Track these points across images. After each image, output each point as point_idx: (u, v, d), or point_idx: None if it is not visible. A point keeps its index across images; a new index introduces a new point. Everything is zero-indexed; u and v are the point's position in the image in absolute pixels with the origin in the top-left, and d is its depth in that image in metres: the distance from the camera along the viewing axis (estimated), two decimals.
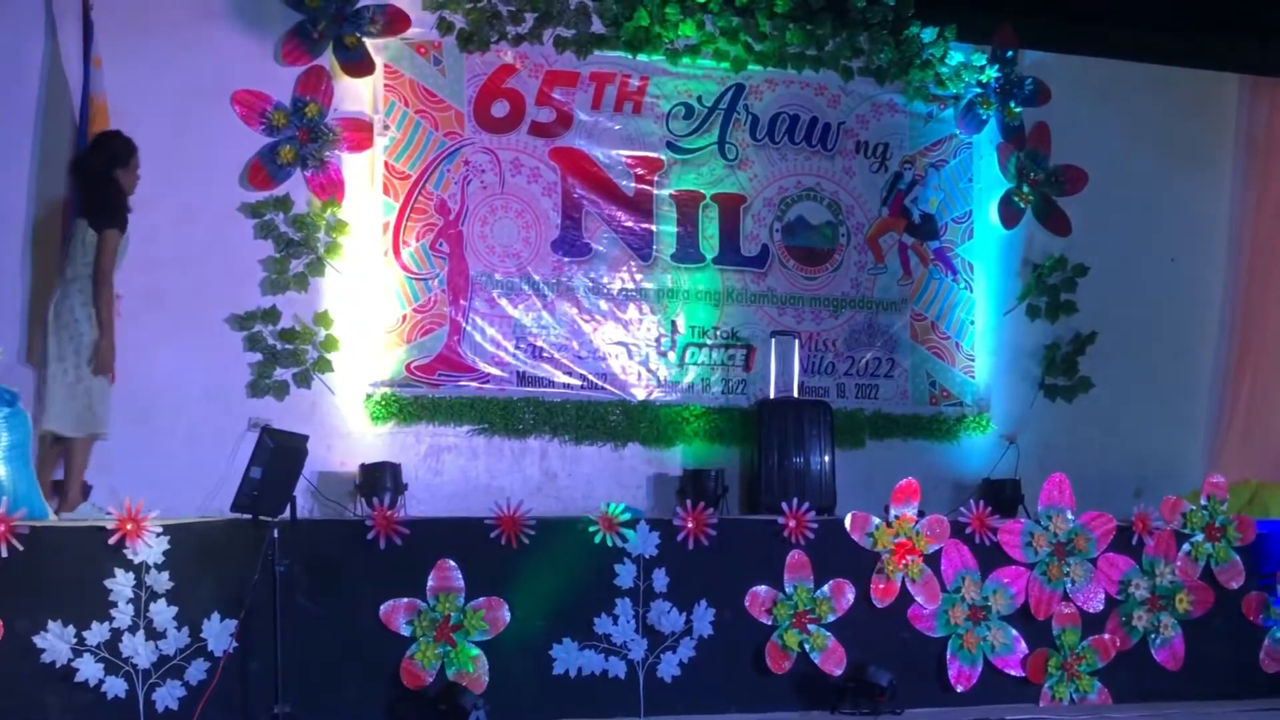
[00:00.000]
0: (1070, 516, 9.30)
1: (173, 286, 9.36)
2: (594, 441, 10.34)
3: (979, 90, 11.22)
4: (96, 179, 8.31)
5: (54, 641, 7.16)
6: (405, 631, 7.92)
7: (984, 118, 11.27)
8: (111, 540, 7.31)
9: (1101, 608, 9.29)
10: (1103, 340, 11.45)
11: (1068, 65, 11.55)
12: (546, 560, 8.26)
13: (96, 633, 7.23)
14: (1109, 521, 9.38)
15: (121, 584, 7.31)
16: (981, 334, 11.27)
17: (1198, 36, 11.73)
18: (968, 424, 11.12)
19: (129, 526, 7.33)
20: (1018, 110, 11.34)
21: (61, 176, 9.16)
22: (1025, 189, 11.38)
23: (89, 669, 7.21)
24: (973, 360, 11.23)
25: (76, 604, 7.23)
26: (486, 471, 10.06)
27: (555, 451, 10.27)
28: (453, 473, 10.00)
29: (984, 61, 11.19)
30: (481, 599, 8.06)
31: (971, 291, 11.26)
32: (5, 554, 7.05)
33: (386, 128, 9.97)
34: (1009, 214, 11.38)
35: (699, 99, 10.69)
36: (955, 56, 11.11)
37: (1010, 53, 11.29)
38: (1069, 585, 9.23)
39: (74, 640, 7.19)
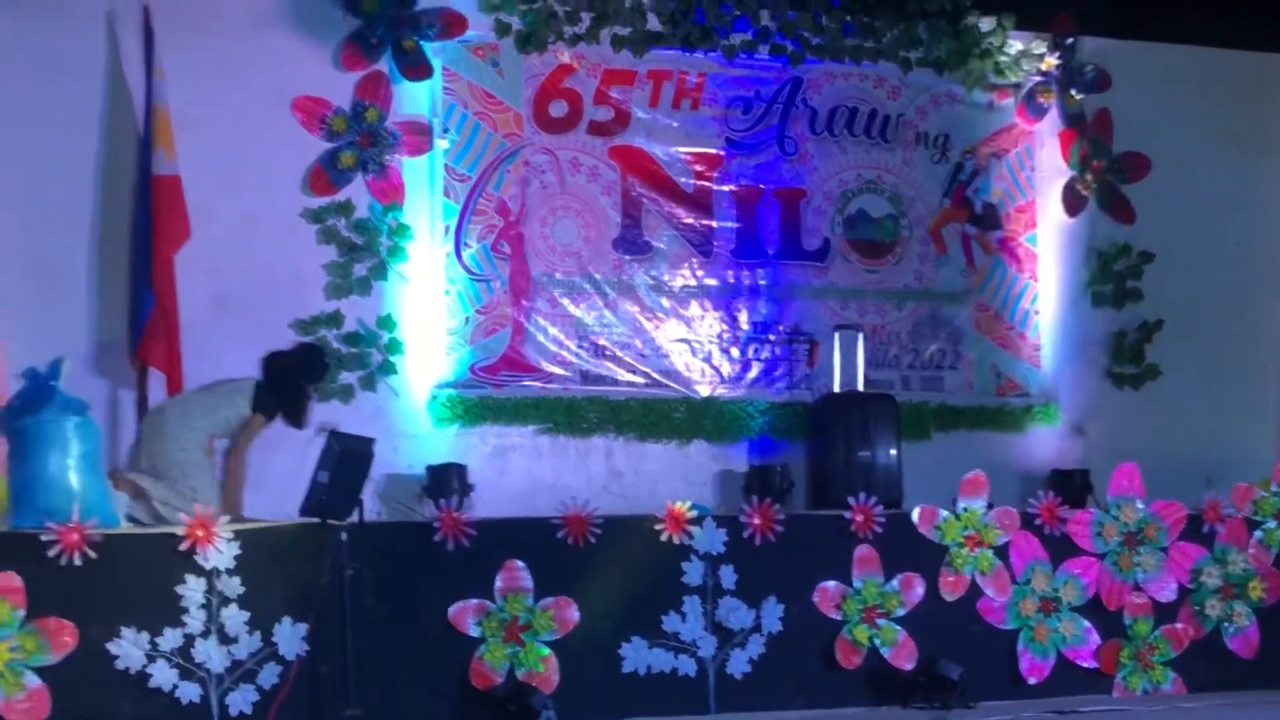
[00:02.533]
0: (1140, 505, 9.22)
1: (237, 293, 9.44)
2: (658, 439, 10.34)
3: (1039, 78, 11.15)
4: (288, 378, 8.34)
5: (128, 648, 7.21)
6: (474, 632, 7.94)
7: (1045, 106, 11.20)
8: (182, 546, 7.36)
9: (1174, 597, 9.20)
10: (1169, 327, 11.35)
11: (1128, 51, 11.44)
12: (614, 559, 8.26)
13: (169, 638, 7.27)
14: (1179, 510, 9.29)
15: (193, 589, 7.35)
16: (1047, 323, 11.20)
17: (1260, 20, 11.58)
18: (1035, 414, 11.05)
19: (199, 533, 7.37)
20: (1079, 97, 11.26)
21: (126, 187, 9.26)
22: (1088, 177, 11.30)
23: (163, 674, 7.25)
24: (1039, 350, 11.16)
25: (149, 610, 7.28)
26: (552, 471, 10.07)
27: (620, 450, 10.28)
28: (518, 473, 10.02)
29: (1043, 49, 11.12)
30: (550, 599, 8.07)
31: (1036, 281, 11.19)
32: (79, 562, 7.11)
33: (446, 130, 10.00)
34: (1072, 202, 11.30)
35: (757, 93, 10.67)
36: (1014, 45, 11.03)
37: (1070, 40, 11.20)
38: (1140, 575, 9.15)
39: (148, 646, 7.24)
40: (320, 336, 9.61)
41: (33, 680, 6.97)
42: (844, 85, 10.85)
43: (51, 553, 7.07)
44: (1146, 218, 11.40)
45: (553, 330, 10.15)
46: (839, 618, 8.58)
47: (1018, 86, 11.15)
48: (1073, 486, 10.19)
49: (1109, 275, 11.35)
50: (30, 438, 7.31)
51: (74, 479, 7.32)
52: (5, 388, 8.32)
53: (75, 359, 7.99)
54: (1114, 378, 11.33)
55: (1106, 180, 11.36)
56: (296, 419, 8.29)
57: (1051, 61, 11.11)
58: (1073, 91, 11.22)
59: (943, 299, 10.97)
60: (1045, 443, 11.04)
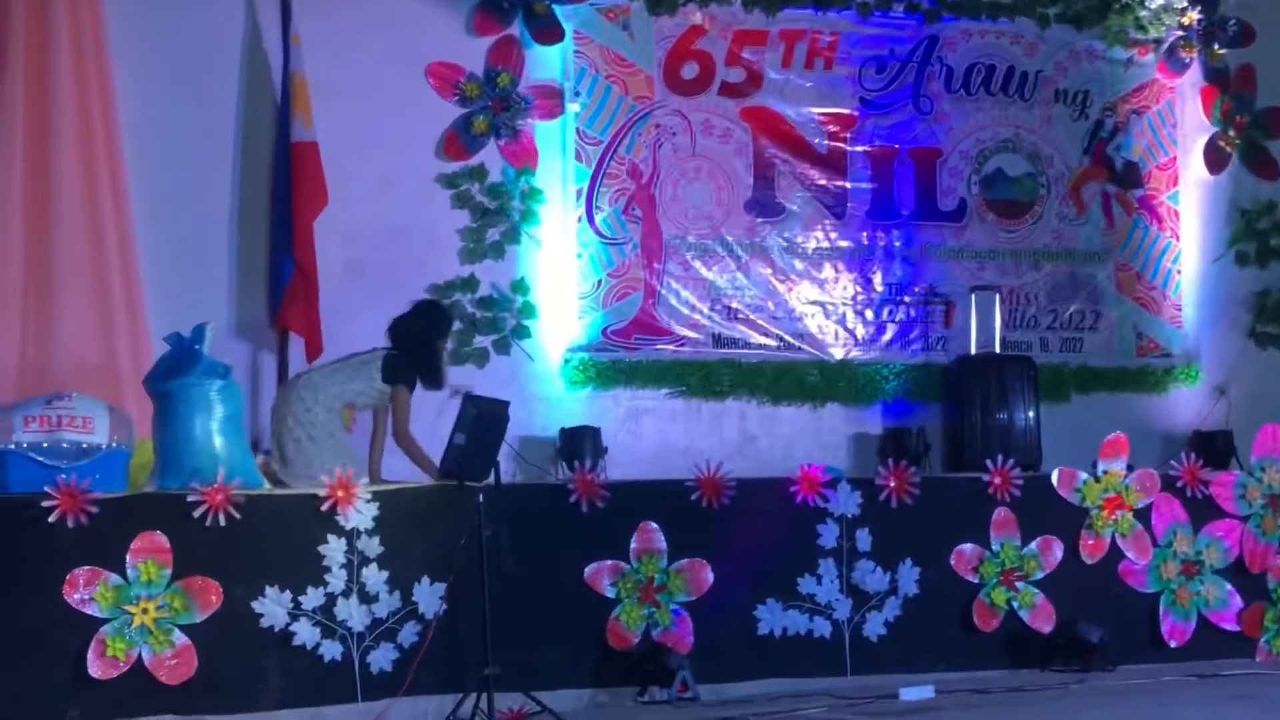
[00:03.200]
0: None
1: (373, 257, 9.54)
2: (792, 402, 10.31)
3: (1180, 33, 10.92)
4: (417, 340, 8.34)
5: (271, 607, 7.33)
6: (610, 593, 7.98)
7: (1186, 61, 10.98)
8: (323, 507, 7.46)
9: None
10: None
11: (1272, 3, 11.15)
12: (748, 521, 8.26)
13: (312, 598, 7.39)
14: None
15: (334, 550, 7.45)
16: (1189, 283, 11.00)
17: None
18: (1176, 375, 10.87)
19: (340, 494, 7.48)
20: (1221, 52, 11.01)
21: (266, 156, 9.39)
22: (1231, 133, 11.07)
23: (306, 633, 7.37)
24: (1180, 310, 10.97)
25: (292, 570, 7.39)
26: (685, 434, 10.09)
27: (753, 413, 10.27)
28: (651, 435, 10.05)
29: (1185, 3, 10.88)
30: (684, 560, 8.10)
31: (1178, 239, 11.00)
32: (224, 523, 7.24)
33: (577, 94, 10.02)
34: (1215, 159, 11.08)
35: (891, 52, 10.56)
36: None
37: None
38: None
39: (290, 605, 7.35)
40: (455, 301, 9.69)
41: (180, 638, 7.13)
42: (980, 42, 10.71)
43: (197, 513, 7.20)
44: None
45: (685, 293, 10.14)
46: (976, 581, 8.53)
47: (1159, 42, 10.93)
48: (1215, 448, 10.07)
49: (1252, 233, 11.13)
50: (175, 401, 7.44)
51: (218, 441, 7.45)
52: (150, 353, 8.51)
53: (217, 325, 8.12)
54: (1257, 337, 11.11)
55: (1250, 136, 11.12)
56: (435, 379, 8.33)
57: (1193, 15, 10.87)
58: (1215, 46, 10.98)
59: (1082, 259, 10.81)
60: (1187, 404, 10.86)
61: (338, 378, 8.22)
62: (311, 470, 7.90)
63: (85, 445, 7.41)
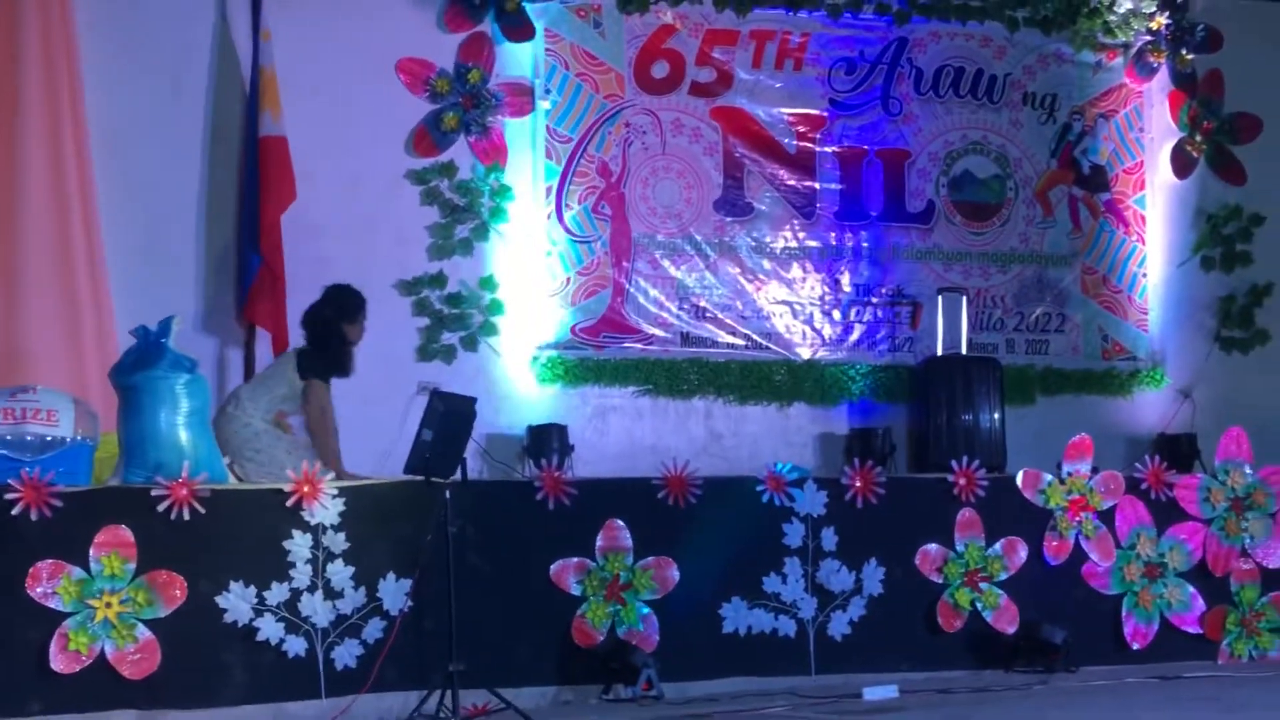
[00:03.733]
0: (1248, 471, 9.12)
1: (341, 253, 9.49)
2: (759, 401, 10.33)
3: (1149, 38, 10.97)
4: (325, 328, 8.29)
5: (236, 602, 7.30)
6: (576, 591, 7.98)
7: (1154, 66, 11.03)
8: (289, 503, 7.44)
9: None
10: None
11: (1240, 9, 11.24)
12: (714, 520, 8.26)
13: (276, 593, 7.35)
14: None
15: (299, 545, 7.42)
16: (1155, 286, 11.06)
17: None
18: (1141, 378, 10.93)
19: (306, 489, 7.46)
20: (1189, 57, 11.07)
21: (234, 150, 9.37)
22: (1198, 138, 11.13)
23: (270, 628, 7.34)
24: (1146, 313, 11.03)
25: (256, 565, 7.36)
26: (652, 432, 10.10)
27: (720, 411, 10.29)
28: (618, 433, 10.06)
29: (1154, 8, 10.93)
30: (650, 558, 8.09)
31: (1144, 243, 11.05)
32: (188, 517, 7.21)
33: (548, 92, 10.01)
34: (1182, 164, 11.13)
35: (861, 54, 10.59)
36: (1124, 4, 10.87)
37: None
38: (1247, 541, 9.05)
39: (255, 600, 7.32)
40: (423, 297, 9.69)
41: (143, 632, 7.09)
42: (949, 45, 10.74)
43: (161, 507, 7.16)
44: (1257, 179, 11.23)
45: (653, 292, 10.15)
46: (940, 581, 8.55)
47: (1127, 46, 10.99)
48: (1179, 451, 10.14)
49: (1218, 238, 11.19)
50: (141, 394, 7.42)
51: (183, 435, 7.43)
52: (116, 346, 8.47)
53: (184, 318, 8.07)
54: (1222, 342, 11.17)
55: (1217, 141, 11.18)
56: (340, 367, 8.26)
57: (1161, 20, 10.92)
58: (1183, 51, 11.03)
59: (1049, 262, 10.86)
60: (1152, 407, 10.92)
61: (263, 388, 8.22)
62: (274, 471, 7.87)
63: (50, 438, 7.36)
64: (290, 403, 8.21)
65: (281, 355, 8.33)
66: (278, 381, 8.21)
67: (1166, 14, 10.94)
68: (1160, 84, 11.12)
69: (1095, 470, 8.88)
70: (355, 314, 8.40)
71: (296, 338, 8.89)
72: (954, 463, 8.75)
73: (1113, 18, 10.85)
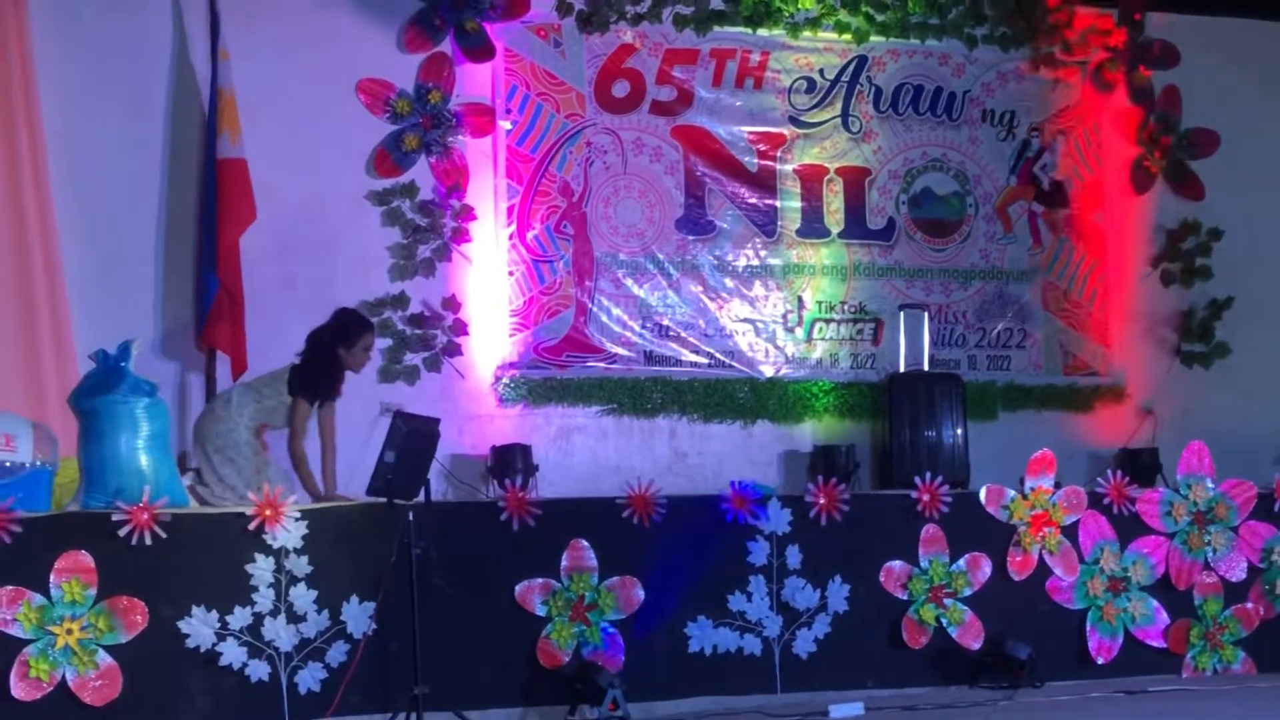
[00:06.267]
0: (1210, 485, 9.14)
1: (303, 274, 9.49)
2: (723, 419, 10.33)
3: (1106, 55, 11.03)
4: (321, 351, 8.31)
5: (198, 626, 7.26)
6: (541, 611, 7.95)
7: (1112, 82, 11.09)
8: (251, 526, 7.40)
9: (1244, 576, 9.11)
10: (1240, 305, 11.22)
11: (1197, 26, 11.31)
12: (679, 539, 8.25)
13: (239, 617, 7.32)
14: (1250, 489, 9.20)
15: (262, 569, 7.39)
16: (1115, 302, 11.10)
17: None
18: (1103, 393, 10.97)
19: (268, 512, 7.42)
20: (1147, 74, 11.14)
21: (194, 172, 9.33)
22: (1156, 153, 11.19)
23: (232, 653, 7.30)
24: (1107, 329, 11.07)
25: (219, 589, 7.33)
26: (616, 451, 10.09)
27: (684, 430, 10.28)
28: (583, 453, 10.04)
29: (1111, 26, 11.00)
30: (615, 578, 8.08)
31: (1104, 259, 11.10)
32: (149, 542, 7.16)
33: (509, 112, 10.01)
34: (1140, 179, 11.20)
35: (821, 72, 10.62)
36: (1081, 21, 10.93)
37: (1137, 15, 11.08)
38: (1210, 554, 9.07)
39: (217, 625, 7.28)
40: (385, 318, 9.65)
41: (104, 659, 7.04)
42: (909, 63, 10.78)
43: (122, 532, 7.12)
44: (1216, 194, 11.29)
45: (616, 311, 10.15)
46: (905, 597, 8.55)
47: (1084, 63, 11.05)
48: (1141, 465, 10.17)
49: (1177, 253, 11.24)
50: (100, 418, 7.36)
51: (144, 459, 7.37)
52: (76, 369, 8.41)
53: (143, 342, 8.03)
54: (1183, 356, 11.22)
55: (1175, 157, 11.24)
56: (322, 391, 8.27)
57: (1119, 38, 10.98)
58: (1140, 67, 11.10)
59: (1009, 277, 10.90)
60: (1113, 422, 10.95)
61: (255, 395, 8.23)
62: (238, 490, 7.84)
63: (8, 463, 7.31)
64: (277, 415, 8.24)
65: (284, 366, 8.31)
66: (271, 392, 8.23)
67: (1124, 31, 11.00)
68: (1118, 100, 11.18)
69: (1058, 485, 8.90)
70: (353, 340, 8.40)
71: (256, 360, 8.89)
72: (918, 479, 8.75)
73: (1071, 35, 10.91)
